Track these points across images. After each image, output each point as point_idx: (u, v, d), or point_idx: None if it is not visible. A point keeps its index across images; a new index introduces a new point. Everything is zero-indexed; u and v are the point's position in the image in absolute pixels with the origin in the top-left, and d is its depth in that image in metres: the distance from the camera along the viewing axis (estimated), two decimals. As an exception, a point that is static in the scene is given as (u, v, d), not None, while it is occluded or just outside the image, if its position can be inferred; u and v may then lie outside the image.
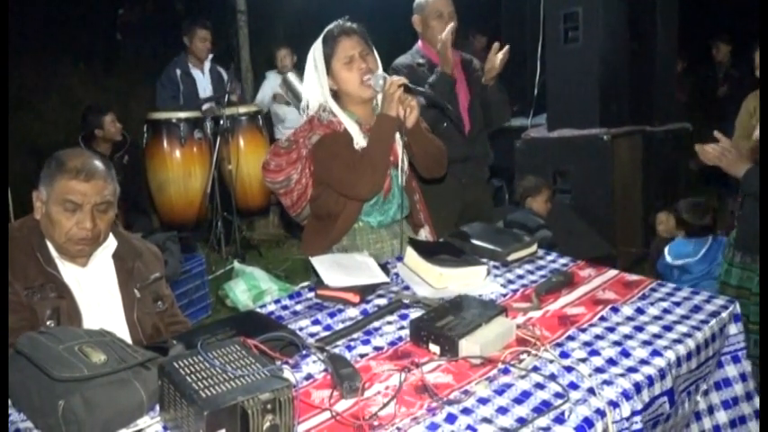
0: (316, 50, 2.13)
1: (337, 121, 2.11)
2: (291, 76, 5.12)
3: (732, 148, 2.25)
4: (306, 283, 1.91)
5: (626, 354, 1.41)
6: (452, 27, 2.81)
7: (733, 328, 1.65)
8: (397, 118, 2.03)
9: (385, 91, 2.03)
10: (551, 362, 1.38)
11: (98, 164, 1.75)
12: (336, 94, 2.15)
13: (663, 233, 3.82)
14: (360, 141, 2.09)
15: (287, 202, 2.23)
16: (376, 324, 1.61)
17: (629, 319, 1.59)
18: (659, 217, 3.91)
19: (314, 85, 2.14)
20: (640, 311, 1.62)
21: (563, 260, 2.02)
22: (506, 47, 2.85)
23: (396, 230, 2.19)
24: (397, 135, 2.11)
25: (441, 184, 2.64)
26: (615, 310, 1.63)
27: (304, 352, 1.45)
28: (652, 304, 1.65)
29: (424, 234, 2.29)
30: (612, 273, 1.89)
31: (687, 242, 3.46)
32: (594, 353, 1.42)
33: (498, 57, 2.84)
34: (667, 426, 1.45)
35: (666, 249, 3.55)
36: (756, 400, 1.66)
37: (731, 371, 1.66)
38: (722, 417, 1.65)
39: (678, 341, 1.47)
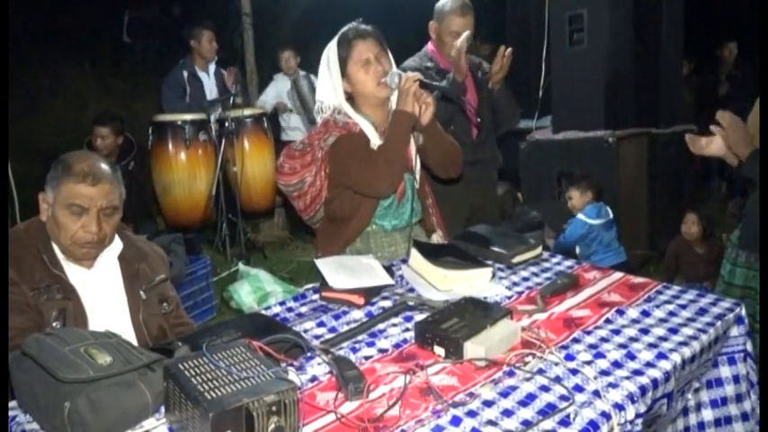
0: (330, 53, 2.12)
1: (353, 122, 2.11)
2: (303, 82, 5.18)
3: (741, 124, 2.14)
4: (310, 285, 1.91)
5: (631, 356, 1.40)
6: (467, 35, 2.81)
7: (735, 330, 1.64)
8: (413, 114, 2.03)
9: (400, 87, 2.03)
10: (556, 364, 1.37)
11: (105, 167, 1.75)
12: (351, 97, 2.15)
13: (575, 207, 3.93)
14: (376, 142, 2.09)
15: (300, 205, 2.22)
16: (381, 326, 1.61)
17: (635, 321, 1.58)
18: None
19: (328, 88, 2.14)
20: (646, 314, 1.62)
21: (568, 262, 2.02)
22: (509, 49, 2.85)
23: (409, 234, 2.17)
24: (411, 139, 2.10)
25: (450, 186, 2.65)
26: (620, 312, 1.62)
27: (309, 354, 1.45)
28: (657, 307, 1.65)
29: (437, 238, 2.29)
30: (618, 275, 1.89)
31: (593, 206, 3.82)
32: (600, 355, 1.41)
33: (504, 59, 2.85)
34: (658, 424, 1.45)
35: (582, 216, 3.80)
36: (746, 403, 1.65)
37: (725, 371, 1.66)
38: (708, 415, 1.66)
39: (684, 344, 1.46)
